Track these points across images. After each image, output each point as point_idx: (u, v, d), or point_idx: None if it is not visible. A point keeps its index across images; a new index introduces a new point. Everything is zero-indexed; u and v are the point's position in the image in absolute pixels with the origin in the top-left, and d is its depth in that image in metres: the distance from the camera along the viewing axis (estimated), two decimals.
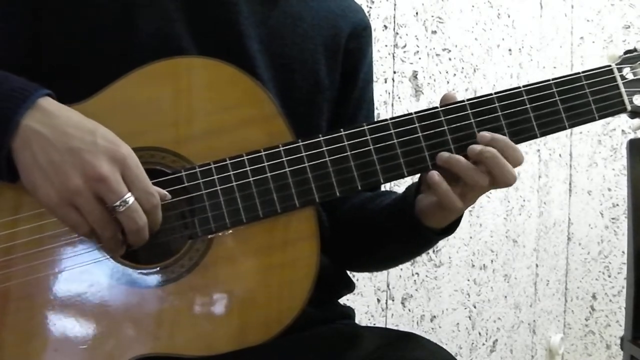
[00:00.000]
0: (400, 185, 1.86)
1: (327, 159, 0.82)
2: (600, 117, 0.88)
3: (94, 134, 0.73)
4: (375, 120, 0.88)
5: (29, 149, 0.72)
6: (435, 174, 0.82)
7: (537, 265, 2.55)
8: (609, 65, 0.90)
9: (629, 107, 0.90)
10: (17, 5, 0.82)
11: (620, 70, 0.90)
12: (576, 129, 2.64)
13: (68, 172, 0.71)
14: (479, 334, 2.26)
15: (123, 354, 0.77)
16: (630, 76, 0.90)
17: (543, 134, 0.86)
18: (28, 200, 0.75)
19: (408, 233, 0.89)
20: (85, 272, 0.77)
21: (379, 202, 0.96)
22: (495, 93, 0.85)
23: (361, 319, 1.77)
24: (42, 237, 0.76)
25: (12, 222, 0.76)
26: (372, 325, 1.80)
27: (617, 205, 2.58)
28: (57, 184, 0.71)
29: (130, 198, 0.73)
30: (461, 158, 0.82)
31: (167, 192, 0.78)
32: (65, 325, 0.76)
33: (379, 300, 1.85)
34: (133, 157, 0.74)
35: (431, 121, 0.84)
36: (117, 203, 0.72)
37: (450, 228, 0.90)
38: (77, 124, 0.73)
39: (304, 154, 0.82)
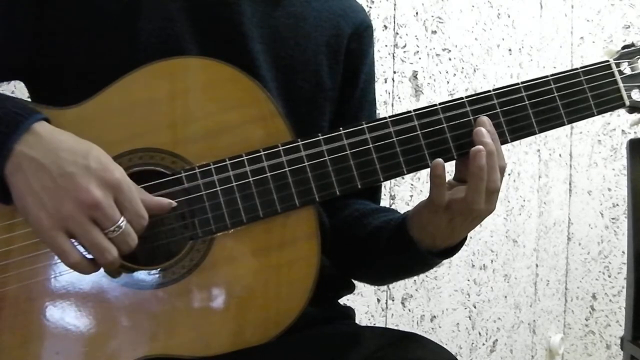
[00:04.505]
0: (400, 185, 1.86)
1: (326, 158, 0.82)
2: (599, 113, 0.88)
3: (87, 157, 0.72)
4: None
5: (22, 174, 0.71)
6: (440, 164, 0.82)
7: (537, 265, 2.54)
8: (607, 61, 0.90)
9: (627, 102, 0.90)
10: (20, 4, 0.82)
11: (618, 65, 0.90)
12: (576, 129, 2.64)
13: (62, 197, 0.71)
14: (479, 334, 2.26)
15: (124, 355, 0.77)
16: (628, 71, 0.90)
17: (542, 130, 0.86)
18: None
19: (399, 246, 0.88)
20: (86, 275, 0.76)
21: (378, 216, 0.95)
22: (494, 90, 0.85)
23: (361, 319, 1.77)
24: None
25: (9, 226, 0.76)
26: (372, 325, 1.79)
27: (617, 205, 2.58)
28: (51, 209, 0.71)
29: (123, 223, 0.73)
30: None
31: (173, 202, 0.78)
32: (67, 328, 0.76)
33: (379, 300, 1.84)
34: (126, 180, 0.74)
35: (430, 119, 0.84)
36: (112, 228, 0.72)
37: (451, 250, 0.89)
38: (71, 148, 0.73)
39: (303, 153, 0.82)
